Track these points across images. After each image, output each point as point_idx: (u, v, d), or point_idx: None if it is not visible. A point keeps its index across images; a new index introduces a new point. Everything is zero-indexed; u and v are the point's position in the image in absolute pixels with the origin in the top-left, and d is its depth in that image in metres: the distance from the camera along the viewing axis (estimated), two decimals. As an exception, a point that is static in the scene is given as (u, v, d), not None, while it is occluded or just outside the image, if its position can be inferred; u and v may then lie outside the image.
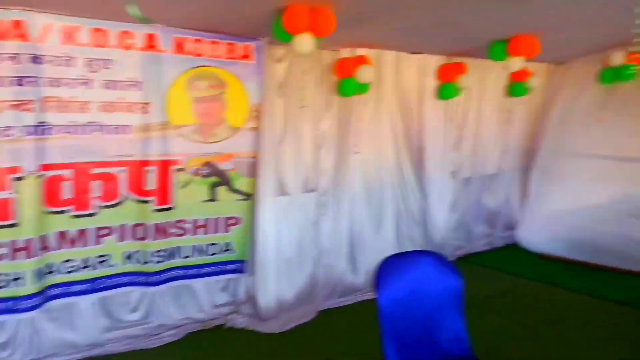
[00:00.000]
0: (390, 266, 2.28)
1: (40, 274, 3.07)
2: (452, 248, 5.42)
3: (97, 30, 3.03)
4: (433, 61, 4.85)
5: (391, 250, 4.53)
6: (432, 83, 4.89)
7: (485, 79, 5.36)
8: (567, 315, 3.94)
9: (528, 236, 5.83)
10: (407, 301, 2.24)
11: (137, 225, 3.40)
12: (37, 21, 2.83)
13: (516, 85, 5.44)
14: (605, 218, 5.14)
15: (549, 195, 5.64)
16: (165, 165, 3.41)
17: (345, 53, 4.12)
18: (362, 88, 4.12)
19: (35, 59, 2.85)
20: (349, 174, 4.34)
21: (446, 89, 4.83)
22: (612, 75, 4.89)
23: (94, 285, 3.32)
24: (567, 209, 5.45)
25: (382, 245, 4.57)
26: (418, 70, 4.78)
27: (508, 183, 6.03)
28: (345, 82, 4.03)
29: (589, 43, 4.79)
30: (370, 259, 4.21)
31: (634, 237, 4.87)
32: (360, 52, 4.14)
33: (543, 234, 5.63)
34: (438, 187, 5.16)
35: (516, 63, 4.07)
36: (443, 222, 5.26)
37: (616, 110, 5.10)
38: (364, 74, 3.96)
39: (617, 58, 4.75)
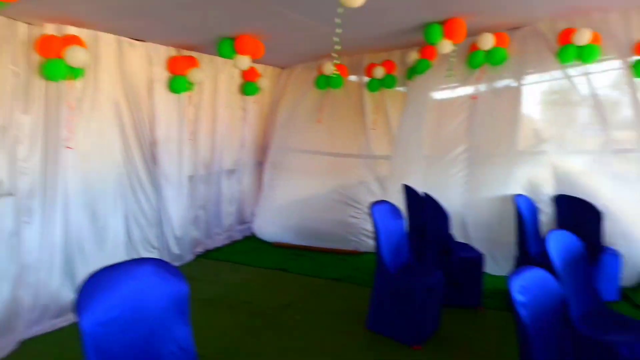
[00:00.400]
0: (97, 284, 1.94)
1: None
2: (191, 246, 5.29)
3: None
4: (162, 51, 4.57)
5: (121, 256, 4.12)
6: (162, 74, 4.61)
7: (218, 75, 5.38)
8: (296, 298, 4.28)
9: (262, 227, 6.20)
10: (120, 322, 1.95)
11: None
12: None
13: (248, 85, 5.66)
14: (324, 206, 5.87)
15: (279, 188, 6.13)
16: None
17: (51, 29, 3.44)
18: (75, 72, 3.53)
19: None
20: (62, 173, 3.68)
21: (177, 82, 4.62)
22: (325, 81, 5.59)
23: None
24: (293, 199, 6.02)
25: (109, 251, 4.16)
26: (145, 59, 4.43)
27: (245, 178, 6.27)
28: (51, 63, 3.37)
29: (306, 50, 5.34)
30: (95, 269, 3.64)
31: (346, 221, 5.73)
32: (71, 30, 3.54)
33: (275, 224, 6.08)
34: (174, 184, 4.93)
35: (243, 61, 4.18)
36: (180, 220, 5.05)
37: (330, 112, 5.86)
38: (75, 55, 3.39)
39: (328, 67, 5.45)
